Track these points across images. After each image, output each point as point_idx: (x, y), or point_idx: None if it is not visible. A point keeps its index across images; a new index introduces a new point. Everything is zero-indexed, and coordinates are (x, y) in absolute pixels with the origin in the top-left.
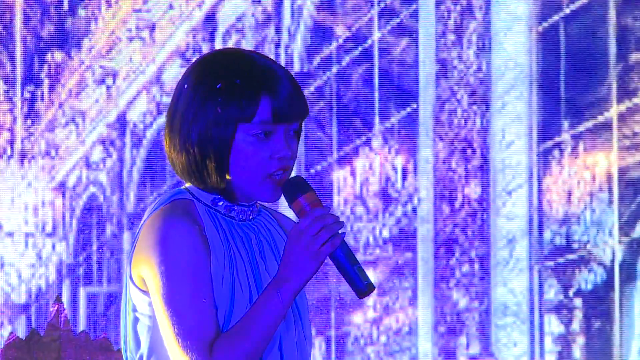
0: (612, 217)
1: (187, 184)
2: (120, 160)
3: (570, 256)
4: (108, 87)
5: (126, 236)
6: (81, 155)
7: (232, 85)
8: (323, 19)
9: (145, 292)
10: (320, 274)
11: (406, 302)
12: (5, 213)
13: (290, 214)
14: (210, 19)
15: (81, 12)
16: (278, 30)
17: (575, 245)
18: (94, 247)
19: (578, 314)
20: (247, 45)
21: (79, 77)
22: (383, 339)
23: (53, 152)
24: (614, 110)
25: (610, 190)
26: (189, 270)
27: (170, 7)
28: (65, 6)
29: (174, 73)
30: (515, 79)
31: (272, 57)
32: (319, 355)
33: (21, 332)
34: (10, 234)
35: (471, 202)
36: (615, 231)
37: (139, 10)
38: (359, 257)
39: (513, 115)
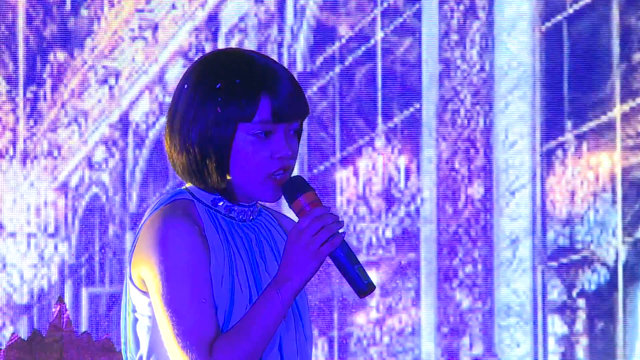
0: (615, 218)
1: (188, 184)
2: (123, 160)
3: (574, 256)
4: (110, 87)
5: (129, 236)
6: (83, 155)
7: (232, 85)
8: (326, 19)
9: (145, 293)
10: (323, 274)
11: (409, 302)
12: (7, 213)
13: (291, 214)
14: (213, 18)
15: (84, 12)
16: (281, 30)
17: (579, 246)
18: (97, 248)
19: (581, 315)
20: (250, 45)
21: (82, 77)
22: (386, 339)
23: (55, 152)
24: (617, 110)
25: (613, 191)
26: (189, 270)
27: (173, 6)
28: (68, 6)
29: (177, 73)
30: (519, 79)
31: (275, 57)
32: (322, 356)
33: (23, 333)
34: (12, 235)
35: (474, 203)
36: (619, 231)
37: (141, 10)
38: (362, 257)
39: (516, 115)
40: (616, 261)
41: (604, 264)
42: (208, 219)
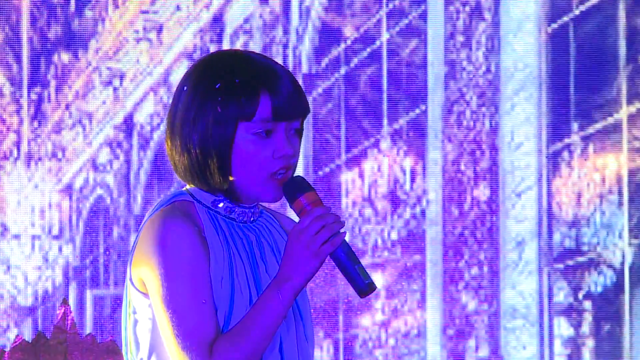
0: (621, 219)
1: (188, 186)
2: (127, 162)
3: (580, 258)
4: (115, 89)
5: (133, 238)
6: (88, 157)
7: (232, 84)
8: (331, 20)
9: (145, 294)
10: (328, 276)
11: (415, 304)
12: (11, 215)
13: (294, 215)
14: (217, 20)
15: (88, 13)
16: (286, 32)
17: (585, 248)
18: (101, 250)
19: (588, 317)
20: (255, 46)
21: (86, 78)
22: (391, 341)
23: (60, 154)
24: (623, 112)
25: (620, 192)
26: (189, 271)
27: (178, 8)
28: (72, 7)
29: (182, 75)
30: (525, 81)
31: (280, 58)
32: (327, 358)
33: (27, 335)
34: (16, 237)
35: (480, 204)
36: (625, 233)
37: (146, 12)
38: (367, 259)
39: (522, 117)
40: (622, 263)
41: (610, 266)
42: (208, 220)
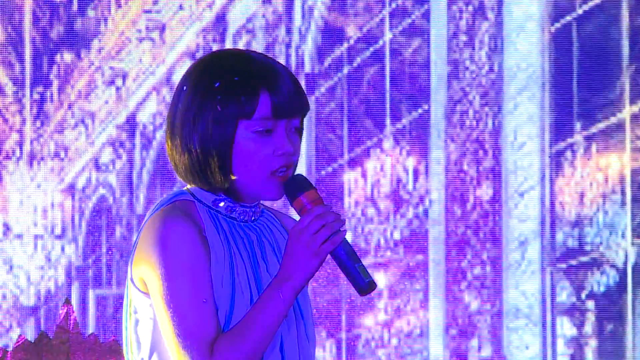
0: (624, 219)
1: (189, 186)
2: (130, 161)
3: (583, 258)
4: (118, 89)
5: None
6: (91, 156)
7: (231, 83)
8: (334, 20)
9: (146, 294)
10: (331, 276)
11: (417, 304)
12: (14, 215)
13: (295, 214)
14: (220, 19)
15: (90, 13)
16: (289, 31)
17: (588, 247)
18: (104, 249)
19: (590, 317)
20: (258, 46)
21: (89, 78)
22: (394, 341)
23: (62, 154)
24: (626, 112)
25: (623, 192)
26: (189, 270)
27: (181, 7)
28: (75, 7)
29: None
30: (528, 80)
31: (283, 58)
32: (330, 357)
33: (30, 335)
34: (19, 236)
35: (483, 204)
36: (628, 233)
37: (149, 11)
38: (370, 259)
39: (525, 117)
40: (625, 263)
41: (613, 265)
42: (209, 219)
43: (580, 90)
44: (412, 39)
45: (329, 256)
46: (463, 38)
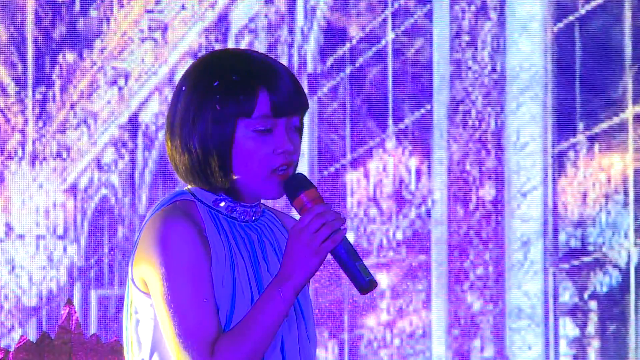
0: (627, 219)
1: (190, 186)
2: (132, 162)
3: (586, 258)
4: (120, 89)
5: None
6: (93, 157)
7: (230, 82)
8: (336, 20)
9: (147, 294)
10: (333, 276)
11: (420, 304)
12: (16, 215)
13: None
14: (222, 19)
15: (93, 13)
16: (291, 31)
17: (591, 248)
18: (106, 250)
19: (593, 317)
20: (260, 46)
21: (91, 78)
22: (397, 342)
23: (64, 154)
24: (629, 112)
25: (625, 192)
26: (190, 270)
27: (183, 7)
28: (77, 7)
29: None
30: (530, 80)
31: (285, 58)
32: (332, 358)
33: (32, 335)
34: (21, 236)
35: (485, 204)
36: (631, 233)
37: (151, 11)
38: (373, 259)
39: (528, 117)
40: (628, 263)
41: (615, 266)
42: (209, 219)
43: (583, 90)
44: (414, 39)
45: (329, 256)
46: (465, 38)
